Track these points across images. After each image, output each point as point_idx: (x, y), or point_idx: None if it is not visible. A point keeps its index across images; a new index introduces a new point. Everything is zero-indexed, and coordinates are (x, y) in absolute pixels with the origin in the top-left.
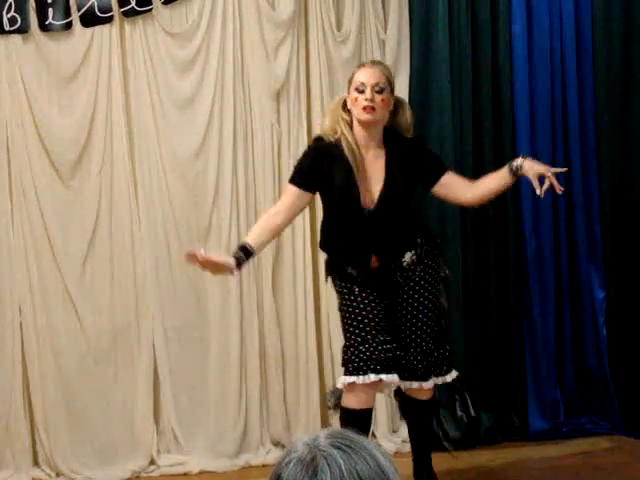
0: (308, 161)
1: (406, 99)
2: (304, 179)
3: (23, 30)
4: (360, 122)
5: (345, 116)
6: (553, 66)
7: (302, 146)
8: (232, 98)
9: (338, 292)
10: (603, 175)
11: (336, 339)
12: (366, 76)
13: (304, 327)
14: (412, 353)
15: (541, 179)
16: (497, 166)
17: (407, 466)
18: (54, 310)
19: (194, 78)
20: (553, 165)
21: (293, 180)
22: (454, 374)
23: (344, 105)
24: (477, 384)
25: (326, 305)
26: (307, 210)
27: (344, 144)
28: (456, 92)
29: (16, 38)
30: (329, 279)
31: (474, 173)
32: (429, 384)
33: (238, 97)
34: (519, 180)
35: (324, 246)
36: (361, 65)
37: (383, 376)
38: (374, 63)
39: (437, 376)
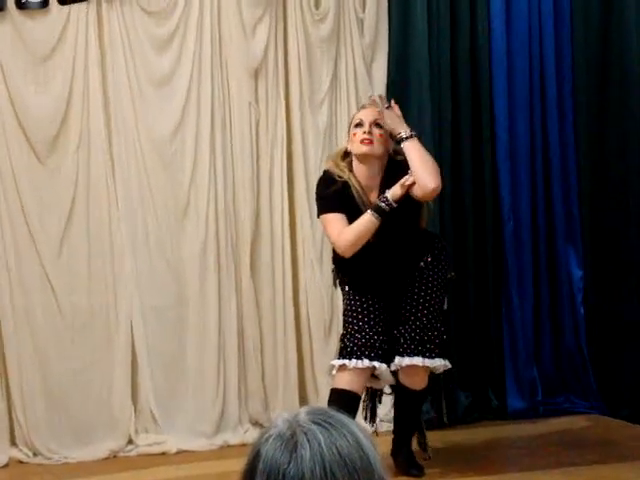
0: (330, 193)
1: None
2: (336, 204)
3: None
4: (358, 157)
5: (344, 163)
6: (532, 43)
7: (280, 125)
8: (210, 77)
9: (343, 289)
10: (581, 154)
11: (314, 318)
12: (364, 114)
13: (282, 306)
14: (410, 325)
15: None
16: (475, 143)
17: (385, 444)
18: (31, 289)
19: (171, 56)
20: (531, 143)
21: (332, 209)
22: (447, 364)
23: (344, 156)
24: (455, 363)
25: (304, 284)
26: (285, 190)
27: (353, 191)
28: (434, 70)
29: None
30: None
31: (452, 151)
32: (420, 360)
33: (216, 76)
34: (496, 158)
35: (339, 273)
36: (361, 107)
37: (376, 363)
38: (373, 103)
39: (428, 357)
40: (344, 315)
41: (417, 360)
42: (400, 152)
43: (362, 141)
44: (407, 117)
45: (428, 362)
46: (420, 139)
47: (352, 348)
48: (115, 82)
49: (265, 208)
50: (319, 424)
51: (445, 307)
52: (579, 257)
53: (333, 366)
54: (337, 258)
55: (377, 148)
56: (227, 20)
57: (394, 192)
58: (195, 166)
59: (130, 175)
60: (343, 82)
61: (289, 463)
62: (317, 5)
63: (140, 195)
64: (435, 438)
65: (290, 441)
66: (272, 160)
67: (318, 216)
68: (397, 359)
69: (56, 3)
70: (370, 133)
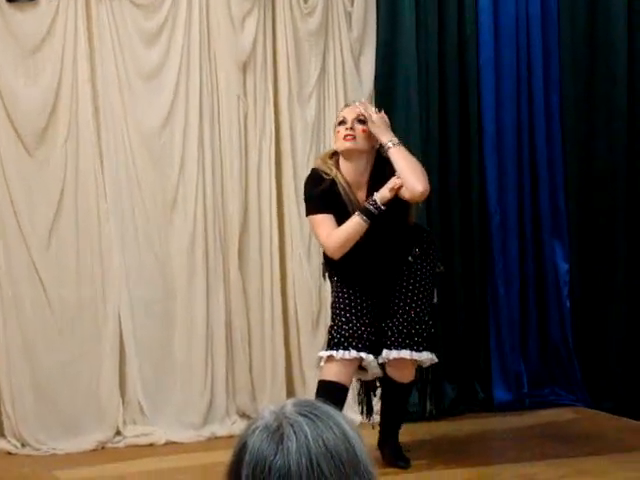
0: (318, 193)
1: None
2: (323, 205)
3: None
4: (343, 153)
5: (331, 161)
6: (519, 36)
7: (268, 119)
8: (198, 70)
9: (332, 281)
10: (568, 148)
11: (302, 311)
12: (347, 111)
13: (270, 299)
14: (398, 319)
15: None
16: (462, 137)
17: (372, 436)
18: (19, 281)
19: (160, 49)
20: (518, 136)
21: (320, 209)
22: (434, 358)
23: (332, 155)
24: (442, 355)
25: (292, 277)
26: (273, 183)
27: (340, 188)
28: (422, 63)
29: None
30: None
31: (439, 144)
32: (408, 353)
33: (204, 69)
34: (483, 152)
35: (328, 263)
36: (345, 105)
37: (363, 354)
38: (359, 102)
39: (416, 350)
40: (332, 307)
41: (405, 353)
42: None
43: (345, 137)
44: (394, 111)
45: (416, 355)
46: (406, 146)
47: (339, 339)
48: (104, 75)
49: (253, 201)
50: (305, 416)
51: (435, 300)
52: (565, 251)
53: (321, 358)
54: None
55: (361, 144)
56: (216, 13)
57: (382, 195)
58: (183, 159)
59: (118, 168)
60: (331, 76)
61: (275, 455)
62: None
63: (128, 188)
64: (422, 430)
65: (276, 433)
66: (260, 153)
67: (307, 215)
68: (385, 352)
69: None
70: (352, 129)
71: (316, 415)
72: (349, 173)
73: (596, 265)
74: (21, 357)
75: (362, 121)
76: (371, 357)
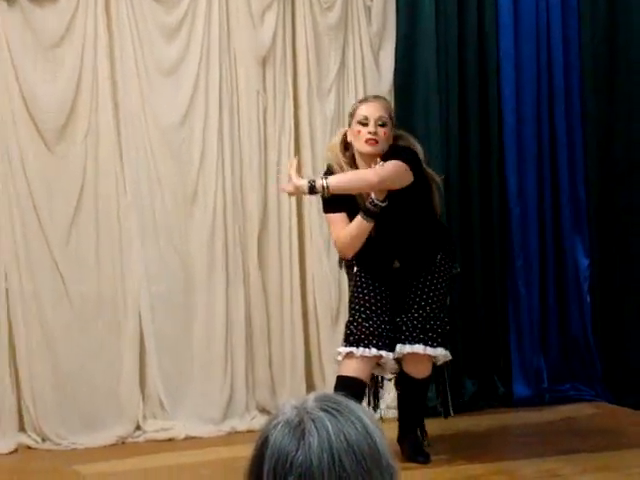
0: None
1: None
2: (333, 207)
3: None
4: (362, 155)
5: (345, 158)
6: (539, 29)
7: (288, 113)
8: (218, 65)
9: (350, 275)
10: (588, 142)
11: (321, 306)
12: (369, 110)
13: (289, 294)
14: (413, 314)
15: None
16: (482, 130)
17: (392, 430)
18: (40, 276)
19: (180, 44)
20: (538, 129)
21: (333, 209)
22: (447, 355)
23: (343, 140)
24: (462, 351)
25: (312, 272)
26: None
27: None
28: (442, 58)
29: (2, 5)
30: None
31: (459, 140)
32: (422, 348)
33: (224, 64)
34: (503, 145)
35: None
36: (363, 100)
37: (383, 352)
38: (376, 98)
39: (430, 345)
40: (351, 301)
41: (418, 348)
42: (402, 137)
43: (367, 141)
44: (414, 106)
45: (430, 350)
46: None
47: (359, 336)
48: (123, 70)
49: (273, 196)
50: (327, 411)
51: (448, 302)
52: (586, 246)
53: (339, 352)
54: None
55: (382, 147)
56: (235, 8)
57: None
58: (203, 154)
59: (138, 163)
60: (351, 70)
61: (297, 450)
62: None
63: (148, 183)
64: (441, 425)
65: (298, 428)
66: (280, 148)
67: (323, 212)
68: (399, 346)
69: None
70: (376, 133)
71: (338, 410)
72: (364, 167)
73: (617, 261)
74: (41, 352)
75: (383, 124)
76: (391, 355)
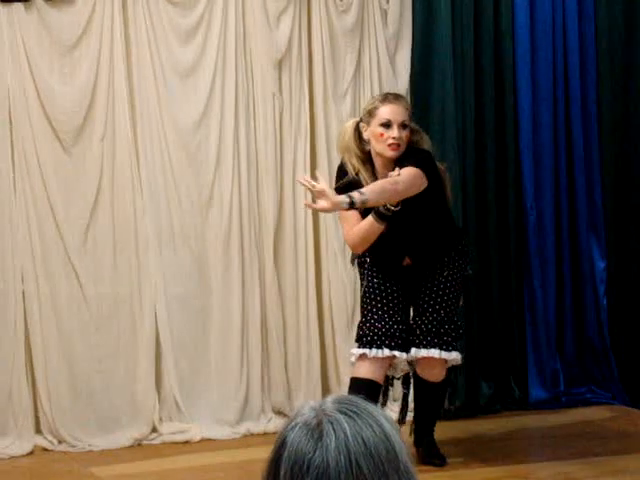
0: (346, 185)
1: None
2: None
3: None
4: (382, 157)
5: (358, 151)
6: (555, 34)
7: (304, 116)
8: (234, 67)
9: (362, 274)
10: (604, 145)
11: (337, 308)
12: (393, 113)
13: (305, 296)
14: (427, 317)
15: None
16: (498, 133)
17: (407, 434)
18: (56, 278)
19: (196, 47)
20: (555, 133)
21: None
22: (458, 358)
23: (356, 129)
24: (478, 353)
25: (327, 274)
26: (308, 177)
27: (363, 182)
28: (458, 62)
29: (19, 6)
30: (355, 262)
31: (475, 141)
32: (437, 352)
33: (240, 66)
34: (519, 150)
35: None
36: (384, 100)
37: (397, 352)
38: (397, 98)
39: (445, 349)
40: (363, 301)
41: (434, 352)
42: (415, 131)
43: (390, 146)
44: (430, 109)
45: (445, 354)
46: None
47: (372, 337)
48: (139, 72)
49: (288, 199)
50: (345, 413)
51: (461, 303)
52: (602, 248)
53: (352, 354)
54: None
55: (403, 150)
56: (251, 11)
57: None
58: (219, 157)
59: (155, 165)
60: (367, 73)
61: (314, 452)
62: None
63: (165, 185)
64: (458, 428)
65: (316, 430)
66: (295, 151)
67: None
68: (414, 350)
69: None
70: (400, 138)
71: (356, 413)
72: (380, 166)
73: (633, 263)
74: (57, 353)
75: (405, 125)
76: (404, 355)
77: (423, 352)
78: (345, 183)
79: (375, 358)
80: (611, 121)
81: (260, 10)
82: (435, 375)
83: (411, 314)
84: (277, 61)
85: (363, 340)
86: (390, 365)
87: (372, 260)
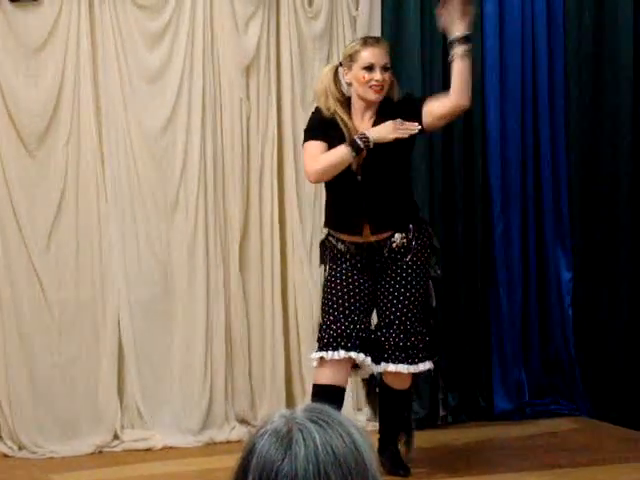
0: (314, 123)
1: None
2: (319, 136)
3: None
4: (365, 99)
5: (337, 93)
6: (524, 47)
7: (271, 122)
8: (201, 72)
9: (325, 274)
10: (572, 155)
11: (303, 316)
12: (375, 56)
13: (270, 304)
14: (395, 330)
15: None
16: (466, 143)
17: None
18: (18, 282)
19: (163, 51)
20: (522, 143)
21: (314, 137)
22: (427, 367)
23: (335, 73)
24: (443, 364)
25: (293, 282)
26: (275, 188)
27: (340, 123)
28: (426, 69)
29: None
30: (322, 266)
31: (443, 150)
32: (405, 368)
33: (207, 71)
34: (487, 161)
35: (326, 218)
36: (365, 43)
37: (352, 354)
38: (378, 41)
39: (413, 363)
40: (322, 304)
41: (402, 367)
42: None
43: (373, 87)
44: None
45: (413, 369)
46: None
47: (328, 339)
48: (106, 76)
49: (255, 205)
50: (316, 422)
51: (434, 304)
52: (568, 259)
53: (312, 359)
54: (327, 212)
55: (385, 92)
56: (219, 16)
57: (381, 137)
58: (185, 161)
59: (120, 169)
60: None
61: (283, 460)
62: (310, 3)
63: (130, 189)
64: (422, 438)
65: (285, 437)
66: (263, 157)
67: (302, 145)
68: (383, 364)
69: None
70: (383, 80)
71: (326, 422)
72: (359, 109)
73: (599, 274)
74: (19, 359)
75: (387, 68)
76: (362, 356)
77: (391, 367)
78: (320, 120)
79: (333, 361)
80: (579, 131)
81: (228, 15)
82: (401, 383)
83: (374, 318)
84: (245, 66)
85: (320, 343)
86: (355, 366)
87: (334, 232)
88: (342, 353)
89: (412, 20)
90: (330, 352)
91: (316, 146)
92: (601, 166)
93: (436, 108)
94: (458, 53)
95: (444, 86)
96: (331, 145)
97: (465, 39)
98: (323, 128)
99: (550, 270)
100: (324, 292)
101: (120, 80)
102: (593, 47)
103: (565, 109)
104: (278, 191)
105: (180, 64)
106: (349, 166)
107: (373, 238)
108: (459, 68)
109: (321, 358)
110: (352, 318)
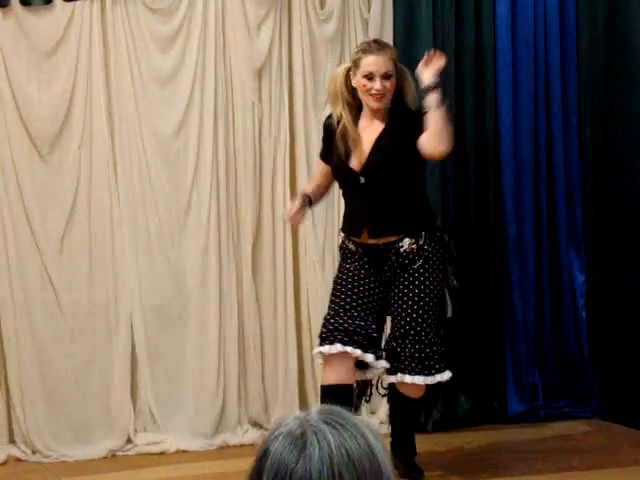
0: (323, 136)
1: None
2: (322, 151)
3: (3, 4)
4: (369, 108)
5: (348, 96)
6: (537, 48)
7: (283, 125)
8: (213, 75)
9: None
10: (585, 158)
11: (315, 320)
12: (375, 65)
13: (283, 307)
14: (410, 341)
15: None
16: (478, 145)
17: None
18: (31, 286)
19: (175, 55)
20: (535, 146)
21: (320, 153)
22: (446, 376)
23: (347, 74)
24: (456, 367)
25: (306, 285)
26: (287, 190)
27: (346, 123)
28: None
29: None
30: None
31: (456, 153)
32: (422, 379)
33: (219, 75)
34: (500, 163)
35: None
36: (367, 50)
37: (349, 348)
38: (381, 48)
39: (429, 374)
40: (330, 297)
41: (418, 379)
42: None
43: (373, 95)
44: None
45: (430, 380)
46: (443, 100)
47: (326, 333)
48: (118, 80)
49: (267, 208)
50: (330, 424)
51: (449, 315)
52: (582, 262)
53: (316, 355)
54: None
55: (388, 99)
56: (231, 19)
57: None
58: (198, 165)
59: (132, 173)
60: None
61: (297, 462)
62: (322, 5)
63: (142, 193)
64: (436, 441)
65: (299, 440)
66: (275, 160)
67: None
68: (399, 375)
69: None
70: (383, 88)
71: (341, 424)
72: (368, 115)
73: (613, 277)
74: (32, 363)
75: (389, 75)
76: (358, 352)
77: (408, 379)
78: (323, 136)
79: (334, 360)
80: (592, 133)
81: (240, 18)
82: (415, 392)
83: (388, 325)
84: (257, 69)
85: (319, 338)
86: (363, 367)
87: (342, 232)
88: (338, 347)
89: (424, 22)
90: (327, 346)
91: (316, 165)
92: (614, 168)
93: (420, 144)
94: (430, 103)
95: (456, 88)
96: (332, 160)
97: (435, 87)
98: (327, 142)
99: (564, 272)
100: (332, 290)
101: (132, 83)
102: (606, 48)
103: (578, 110)
104: (290, 193)
105: (192, 67)
106: (348, 168)
107: (372, 241)
108: (432, 118)
109: (325, 356)
110: (351, 314)
